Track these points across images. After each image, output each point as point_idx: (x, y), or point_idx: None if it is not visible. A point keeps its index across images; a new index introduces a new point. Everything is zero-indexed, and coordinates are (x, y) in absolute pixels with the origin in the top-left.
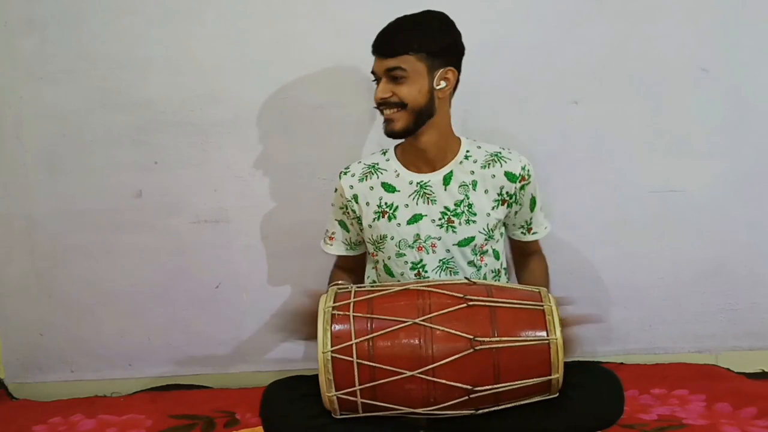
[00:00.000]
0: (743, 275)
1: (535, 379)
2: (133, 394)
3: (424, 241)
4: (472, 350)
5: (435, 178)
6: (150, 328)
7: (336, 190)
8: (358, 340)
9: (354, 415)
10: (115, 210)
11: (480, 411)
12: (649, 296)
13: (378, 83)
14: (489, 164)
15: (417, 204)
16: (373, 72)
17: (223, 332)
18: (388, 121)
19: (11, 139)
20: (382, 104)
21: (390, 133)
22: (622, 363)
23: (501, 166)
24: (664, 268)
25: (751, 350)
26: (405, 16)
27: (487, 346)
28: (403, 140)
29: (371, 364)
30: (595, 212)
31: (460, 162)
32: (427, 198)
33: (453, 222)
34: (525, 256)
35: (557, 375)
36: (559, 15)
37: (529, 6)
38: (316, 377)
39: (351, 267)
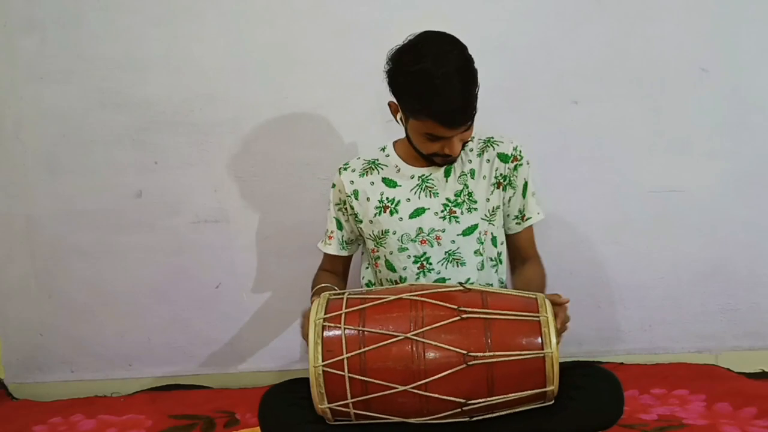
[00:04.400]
0: (743, 275)
1: (529, 392)
2: (133, 394)
3: (428, 234)
4: (465, 365)
5: (436, 171)
6: (150, 328)
7: (334, 186)
8: (349, 355)
9: (349, 422)
10: (115, 210)
11: (475, 418)
12: (649, 296)
13: (437, 140)
14: (483, 150)
15: (419, 198)
16: (436, 137)
17: (223, 332)
18: (448, 161)
19: (11, 139)
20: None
21: (450, 163)
22: (622, 363)
23: (494, 149)
24: (664, 268)
25: (751, 350)
26: (452, 77)
27: (481, 361)
28: (402, 137)
29: (363, 378)
30: (595, 212)
31: None
32: (429, 191)
33: (455, 212)
34: (522, 261)
35: (552, 387)
36: (559, 15)
37: (529, 6)
38: None
39: (338, 270)
